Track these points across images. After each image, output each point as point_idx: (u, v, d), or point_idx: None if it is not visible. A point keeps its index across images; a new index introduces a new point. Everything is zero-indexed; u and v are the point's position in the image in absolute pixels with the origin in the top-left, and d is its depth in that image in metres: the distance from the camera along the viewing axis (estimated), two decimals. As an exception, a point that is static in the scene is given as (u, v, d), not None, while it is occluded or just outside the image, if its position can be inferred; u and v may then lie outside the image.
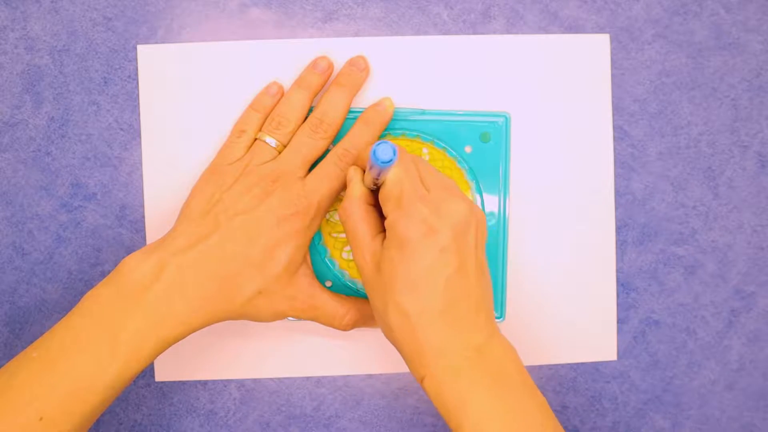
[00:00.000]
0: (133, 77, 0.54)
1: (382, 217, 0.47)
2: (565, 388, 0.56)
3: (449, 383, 0.43)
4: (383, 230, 0.47)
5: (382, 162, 0.43)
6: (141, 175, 0.54)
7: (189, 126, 0.54)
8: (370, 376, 0.55)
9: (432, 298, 0.43)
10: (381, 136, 0.53)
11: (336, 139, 0.53)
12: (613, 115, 0.55)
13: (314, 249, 0.54)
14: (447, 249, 0.43)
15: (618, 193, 0.55)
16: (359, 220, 0.46)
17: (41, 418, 0.43)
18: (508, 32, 0.55)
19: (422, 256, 0.43)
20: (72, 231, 0.54)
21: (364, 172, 0.48)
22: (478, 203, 0.54)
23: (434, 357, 0.43)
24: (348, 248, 0.54)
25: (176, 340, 0.46)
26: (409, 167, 0.46)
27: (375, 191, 0.48)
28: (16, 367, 0.44)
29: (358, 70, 0.53)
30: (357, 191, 0.47)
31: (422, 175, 0.46)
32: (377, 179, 0.46)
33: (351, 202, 0.47)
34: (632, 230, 0.55)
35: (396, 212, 0.44)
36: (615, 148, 0.55)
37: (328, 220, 0.54)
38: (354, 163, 0.50)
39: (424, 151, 0.53)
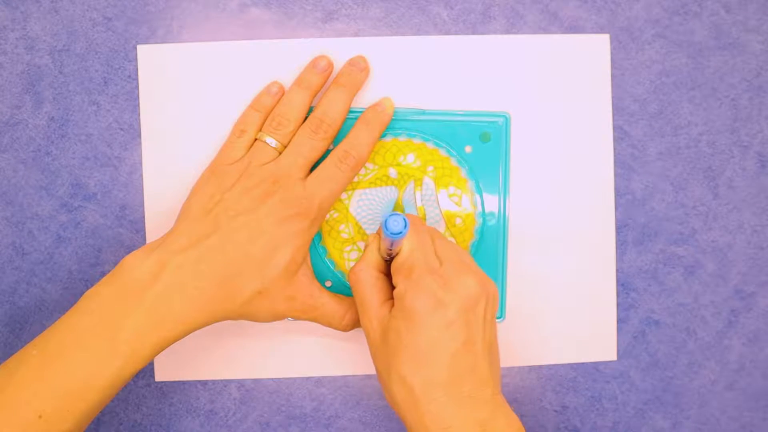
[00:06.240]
0: (133, 77, 0.54)
1: (392, 285, 0.47)
2: (565, 388, 0.56)
3: None
4: (392, 297, 0.47)
5: (392, 233, 0.44)
6: (141, 175, 0.54)
7: (189, 126, 0.54)
8: (370, 376, 0.55)
9: (437, 372, 0.43)
10: (382, 137, 0.53)
11: (337, 140, 0.53)
12: (613, 115, 0.55)
13: (314, 249, 0.54)
14: (454, 323, 0.44)
15: (618, 193, 0.55)
16: (369, 286, 0.47)
17: (40, 416, 0.43)
18: (508, 32, 0.55)
19: (429, 329, 0.43)
20: (72, 231, 0.54)
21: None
22: (478, 203, 0.54)
23: (438, 431, 0.43)
24: (348, 248, 0.54)
25: (176, 339, 0.46)
26: (424, 240, 0.46)
27: (389, 261, 0.48)
28: (16, 365, 0.44)
29: (358, 70, 0.53)
30: (370, 258, 0.48)
31: (437, 248, 0.46)
32: (390, 249, 0.46)
33: (362, 268, 0.47)
34: (632, 230, 0.55)
35: (405, 283, 0.45)
36: (615, 148, 0.55)
37: (327, 220, 0.54)
38: (355, 165, 0.51)
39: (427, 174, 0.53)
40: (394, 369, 0.44)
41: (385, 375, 0.45)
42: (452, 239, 0.53)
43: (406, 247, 0.46)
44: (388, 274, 0.48)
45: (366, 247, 0.48)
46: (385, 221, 0.44)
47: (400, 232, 0.44)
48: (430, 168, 0.53)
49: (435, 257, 0.46)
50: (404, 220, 0.44)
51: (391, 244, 0.46)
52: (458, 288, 0.44)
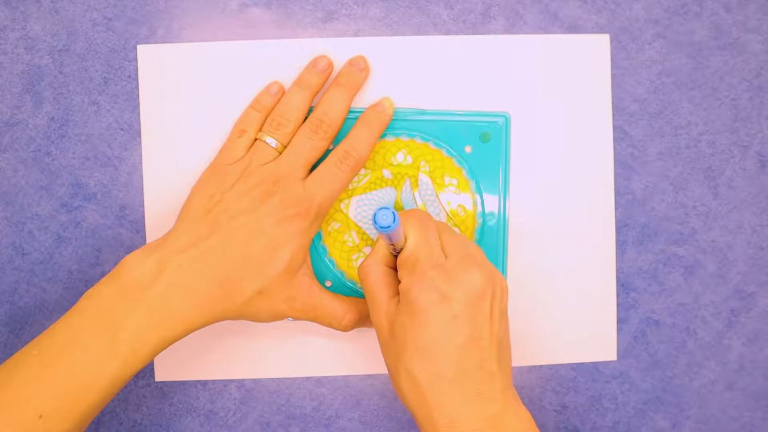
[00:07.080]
0: (133, 77, 0.54)
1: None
2: (565, 388, 0.56)
3: None
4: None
5: (381, 227, 0.43)
6: (141, 175, 0.54)
7: (189, 126, 0.54)
8: (370, 376, 0.55)
9: (443, 366, 0.43)
10: (382, 137, 0.53)
11: (337, 140, 0.53)
12: (613, 115, 0.55)
13: (314, 249, 0.54)
14: (459, 317, 0.43)
15: (618, 193, 0.55)
16: (377, 281, 0.47)
17: (41, 416, 0.43)
18: (508, 32, 0.55)
19: (433, 323, 0.43)
20: (72, 231, 0.54)
21: None
22: (478, 203, 0.54)
23: (445, 426, 0.43)
24: (355, 256, 0.54)
25: (176, 339, 0.46)
26: (429, 234, 0.46)
27: (397, 256, 0.48)
28: (16, 365, 0.44)
29: (358, 70, 0.53)
30: (379, 253, 0.47)
31: (444, 243, 0.46)
32: (392, 244, 0.46)
33: (370, 263, 0.47)
34: (632, 230, 0.55)
35: (409, 278, 0.45)
36: (615, 148, 0.55)
37: (330, 232, 0.54)
38: (355, 165, 0.51)
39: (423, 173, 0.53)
40: (402, 363, 0.44)
41: (393, 369, 0.45)
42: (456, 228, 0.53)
43: (410, 242, 0.46)
44: (396, 268, 0.48)
45: (376, 242, 0.48)
46: (375, 215, 0.43)
47: (389, 226, 0.43)
48: (423, 163, 0.53)
49: (441, 252, 0.45)
50: (393, 214, 0.43)
51: (389, 238, 0.45)
52: (462, 282, 0.44)
